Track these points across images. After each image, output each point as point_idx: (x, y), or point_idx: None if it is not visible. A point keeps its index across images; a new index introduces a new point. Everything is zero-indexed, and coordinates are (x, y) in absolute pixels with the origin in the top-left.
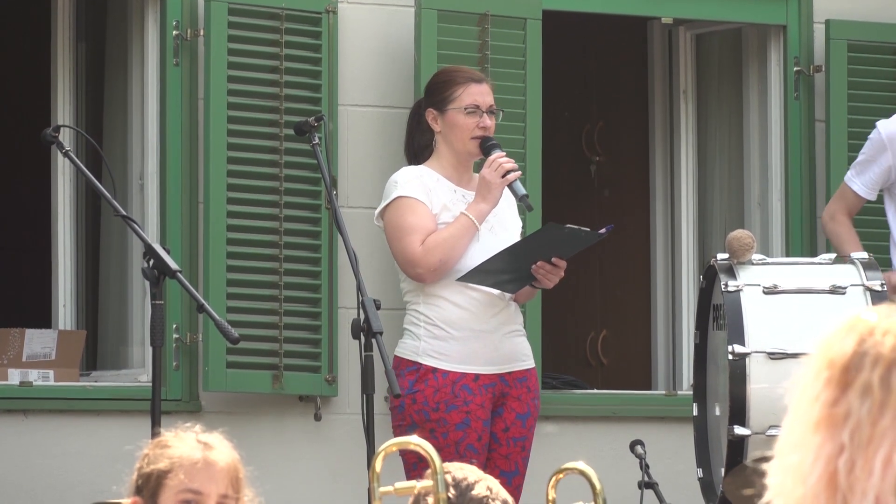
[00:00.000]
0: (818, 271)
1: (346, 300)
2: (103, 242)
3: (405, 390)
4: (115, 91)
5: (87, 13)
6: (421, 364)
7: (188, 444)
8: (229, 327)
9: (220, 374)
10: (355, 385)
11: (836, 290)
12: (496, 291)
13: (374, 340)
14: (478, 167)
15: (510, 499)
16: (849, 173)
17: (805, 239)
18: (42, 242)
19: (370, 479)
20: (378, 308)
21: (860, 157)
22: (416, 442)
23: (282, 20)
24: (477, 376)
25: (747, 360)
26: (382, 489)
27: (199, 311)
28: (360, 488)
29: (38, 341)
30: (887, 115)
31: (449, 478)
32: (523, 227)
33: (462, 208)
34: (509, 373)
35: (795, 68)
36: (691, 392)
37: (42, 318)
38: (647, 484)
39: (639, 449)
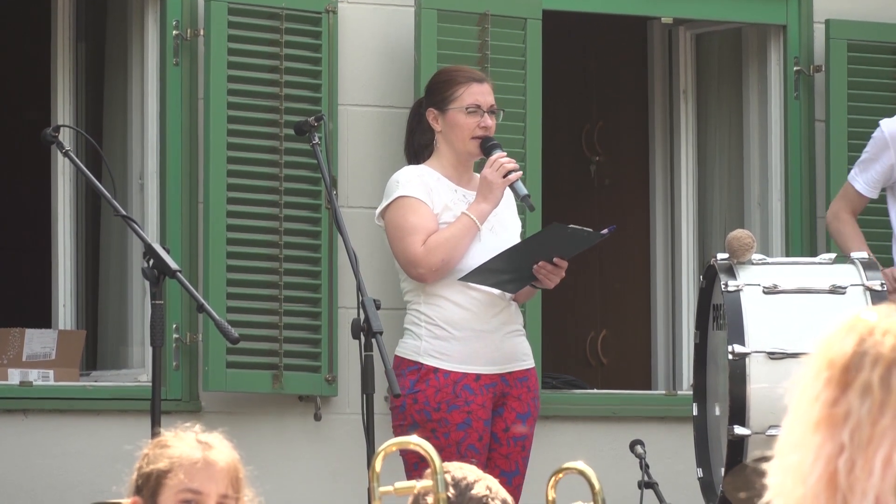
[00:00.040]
0: (818, 271)
1: (346, 300)
2: (103, 242)
3: (406, 390)
4: (115, 91)
5: (87, 13)
6: (422, 364)
7: (188, 444)
8: (229, 327)
9: (220, 374)
10: (355, 385)
11: (836, 290)
12: (497, 291)
13: (374, 340)
14: (478, 167)
15: (509, 498)
16: (852, 172)
17: (805, 239)
18: (42, 242)
19: (370, 478)
20: (378, 308)
21: (863, 156)
22: (415, 442)
23: (282, 20)
24: (478, 376)
25: (747, 359)
26: (382, 489)
27: (199, 311)
28: (360, 488)
29: (38, 341)
30: (887, 115)
31: (448, 477)
32: (523, 228)
33: (463, 208)
34: (510, 373)
35: (795, 68)
36: (691, 392)
37: (42, 317)
38: (647, 484)
39: (639, 449)
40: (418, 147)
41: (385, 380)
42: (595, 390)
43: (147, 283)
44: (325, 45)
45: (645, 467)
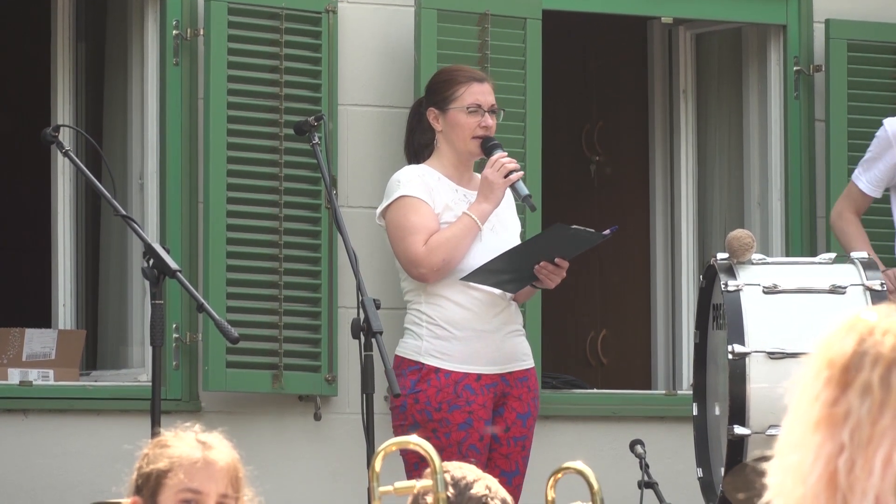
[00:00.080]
0: (818, 271)
1: (346, 300)
2: (103, 242)
3: (407, 390)
4: (115, 91)
5: (87, 13)
6: (423, 364)
7: (188, 444)
8: (229, 327)
9: (220, 374)
10: (355, 385)
11: (835, 290)
12: (498, 291)
13: (373, 340)
14: (478, 167)
15: (509, 497)
16: (856, 171)
17: (805, 238)
18: (42, 242)
19: (370, 478)
20: (378, 308)
21: (867, 155)
22: (415, 441)
23: (282, 20)
24: (479, 376)
25: (747, 359)
26: (382, 489)
27: (199, 311)
28: (360, 488)
29: (37, 341)
30: (887, 115)
31: (448, 477)
32: (523, 228)
33: (464, 208)
34: (510, 373)
35: (795, 68)
36: (691, 392)
37: (42, 317)
38: (647, 483)
39: (638, 448)
40: (418, 147)
41: (385, 380)
42: (595, 390)
43: (147, 283)
44: (325, 45)
45: (645, 467)
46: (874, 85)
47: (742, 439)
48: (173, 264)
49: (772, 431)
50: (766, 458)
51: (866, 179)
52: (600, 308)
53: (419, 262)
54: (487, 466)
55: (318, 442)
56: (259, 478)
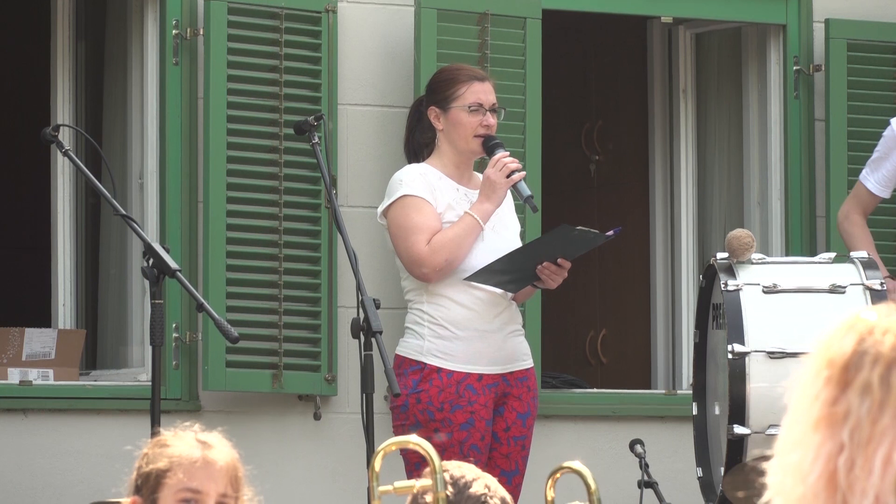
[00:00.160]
0: (818, 270)
1: (345, 299)
2: (103, 242)
3: (408, 389)
4: (115, 90)
5: (87, 13)
6: (425, 364)
7: (187, 444)
8: (229, 326)
9: (220, 374)
10: (355, 384)
11: (835, 290)
12: (499, 290)
13: (373, 340)
14: (478, 166)
15: (508, 497)
16: (863, 171)
17: (805, 238)
18: (42, 242)
19: (370, 478)
20: (378, 307)
21: (874, 155)
22: (415, 441)
23: (281, 19)
24: (480, 376)
25: (747, 359)
26: (382, 488)
27: (199, 311)
28: (360, 488)
29: (37, 340)
30: (887, 115)
31: (447, 476)
32: (523, 227)
33: (465, 207)
34: (510, 372)
35: (795, 67)
36: (691, 391)
37: (42, 317)
38: (647, 483)
39: (638, 448)
40: (418, 146)
41: (385, 379)
42: (595, 390)
43: (147, 283)
44: (325, 45)
45: (645, 467)
46: (874, 85)
47: (742, 439)
48: (173, 264)
49: (771, 431)
50: (765, 458)
51: (874, 180)
52: (600, 307)
53: (422, 262)
54: (488, 466)
55: (317, 442)
56: (259, 477)
